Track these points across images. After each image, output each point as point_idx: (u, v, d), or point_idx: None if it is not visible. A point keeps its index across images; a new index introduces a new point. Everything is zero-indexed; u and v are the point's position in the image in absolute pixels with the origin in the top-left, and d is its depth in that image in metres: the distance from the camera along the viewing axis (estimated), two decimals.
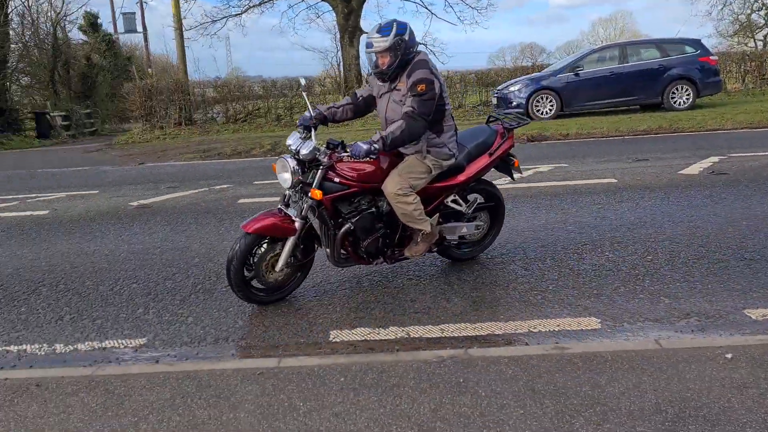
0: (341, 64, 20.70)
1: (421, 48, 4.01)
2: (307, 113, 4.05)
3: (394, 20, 3.84)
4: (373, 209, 3.96)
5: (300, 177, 3.78)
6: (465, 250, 4.60)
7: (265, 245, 3.85)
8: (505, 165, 4.60)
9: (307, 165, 3.80)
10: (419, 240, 4.08)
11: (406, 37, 3.78)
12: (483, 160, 4.31)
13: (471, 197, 4.37)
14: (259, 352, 3.43)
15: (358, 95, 4.24)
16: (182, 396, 2.88)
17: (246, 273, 3.85)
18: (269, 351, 3.44)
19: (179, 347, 3.55)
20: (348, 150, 3.74)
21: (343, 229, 3.88)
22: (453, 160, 4.09)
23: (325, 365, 3.10)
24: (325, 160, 3.75)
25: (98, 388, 2.99)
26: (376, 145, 3.66)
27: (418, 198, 3.91)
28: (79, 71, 27.77)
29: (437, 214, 4.19)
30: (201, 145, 14.61)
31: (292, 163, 3.75)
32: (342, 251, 3.96)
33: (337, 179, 3.82)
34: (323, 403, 2.74)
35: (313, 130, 3.98)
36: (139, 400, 2.86)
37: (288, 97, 19.00)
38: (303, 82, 4.55)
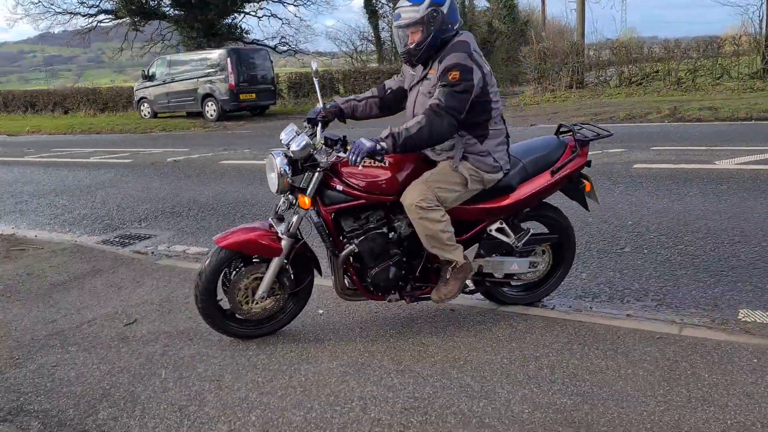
0: (765, 19, 17.57)
1: (466, 32, 3.07)
2: (318, 105, 3.27)
3: None
4: (385, 229, 3.12)
5: (290, 180, 2.99)
6: (517, 293, 3.64)
7: (242, 266, 3.17)
8: (575, 189, 3.45)
9: (300, 165, 3.00)
10: (449, 276, 3.14)
11: (445, 9, 2.90)
12: (542, 180, 3.27)
13: (525, 226, 3.39)
14: (657, 317, 3.42)
15: (387, 87, 3.37)
16: (579, 343, 3.12)
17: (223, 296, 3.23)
18: (668, 317, 3.40)
19: (573, 299, 3.78)
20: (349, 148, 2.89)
21: (344, 252, 3.09)
22: (499, 175, 3.13)
23: (734, 343, 2.95)
24: (324, 160, 2.95)
25: (502, 322, 3.43)
26: (383, 144, 2.81)
27: (448, 217, 3.02)
28: (480, 37, 30.34)
29: (476, 245, 3.27)
30: (592, 108, 14.50)
31: (281, 161, 2.97)
32: (346, 280, 3.20)
33: (340, 187, 3.01)
34: (731, 379, 2.64)
35: (319, 125, 3.21)
36: (538, 338, 3.20)
37: (693, 59, 17.20)
38: (314, 65, 3.36)
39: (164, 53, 24.72)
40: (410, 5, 2.89)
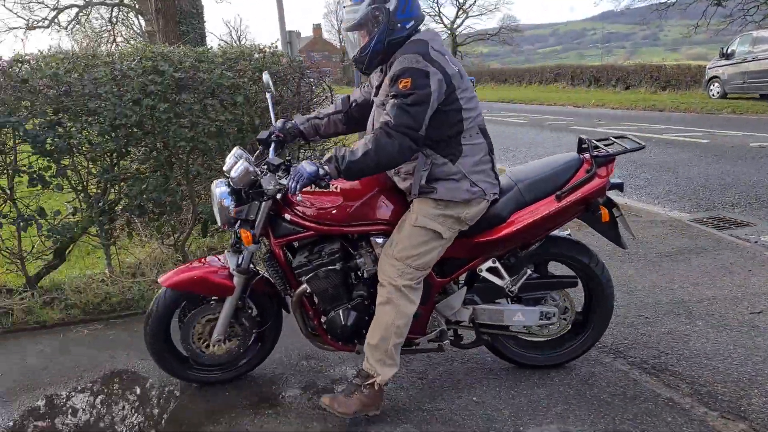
0: None
1: (428, 30, 2.55)
2: (274, 124, 2.75)
3: None
4: (338, 265, 2.57)
5: (232, 213, 2.54)
6: (528, 352, 2.87)
7: (193, 308, 2.80)
8: (598, 219, 2.60)
9: (244, 194, 2.54)
10: (357, 387, 2.57)
11: (391, 6, 2.34)
12: (543, 207, 2.55)
13: (528, 267, 2.68)
14: None
15: (352, 100, 2.79)
16: None
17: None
18: None
19: None
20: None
21: (297, 291, 2.66)
22: (483, 204, 2.49)
23: None
24: (271, 187, 2.44)
25: None
26: (326, 168, 2.34)
27: (413, 311, 2.52)
28: None
29: (463, 288, 2.72)
30: None
31: (221, 192, 2.57)
32: (306, 322, 2.76)
33: (289, 216, 2.57)
34: None
35: (272, 146, 2.69)
36: None
37: None
38: (266, 78, 2.79)
39: (745, 30, 22.58)
40: (350, 5, 2.43)
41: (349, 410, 2.54)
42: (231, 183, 2.57)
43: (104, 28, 24.78)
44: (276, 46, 4.47)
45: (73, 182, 4.05)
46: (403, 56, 2.35)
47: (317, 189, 2.47)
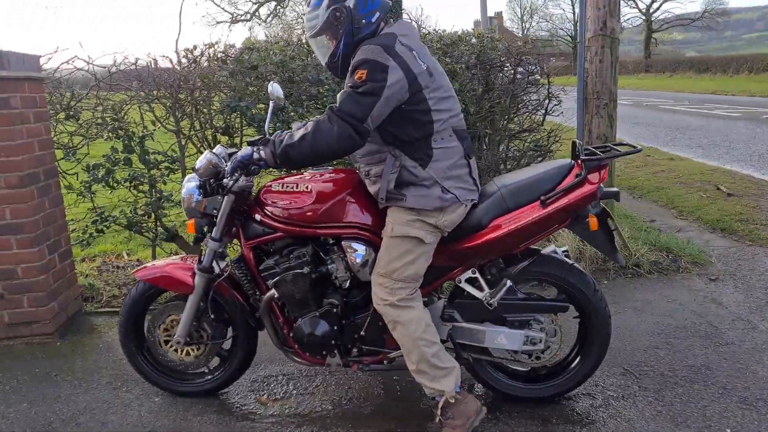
0: None
1: (402, 21, 2.34)
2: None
3: None
4: (306, 269, 2.37)
5: (193, 204, 2.41)
6: (513, 382, 2.63)
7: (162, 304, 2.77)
8: (586, 228, 2.34)
9: (209, 188, 2.40)
10: (442, 424, 2.36)
11: (351, 3, 2.19)
12: (527, 213, 2.31)
13: (509, 282, 2.43)
14: None
15: None
16: None
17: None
18: None
19: None
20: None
21: (266, 296, 2.48)
22: (459, 211, 2.30)
23: None
24: (230, 182, 2.31)
25: None
26: (261, 153, 2.22)
27: (426, 311, 2.36)
28: None
29: (441, 300, 2.53)
30: None
31: (189, 186, 2.46)
32: (277, 331, 2.57)
33: (258, 216, 2.41)
34: None
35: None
36: None
37: None
38: (272, 88, 2.60)
39: None
40: (309, 11, 2.28)
41: None
42: (197, 175, 2.44)
43: (297, 20, 26.46)
44: (494, 31, 4.25)
45: None
46: (365, 47, 2.15)
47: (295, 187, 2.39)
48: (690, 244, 4.50)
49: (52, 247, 3.54)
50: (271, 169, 2.53)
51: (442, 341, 2.45)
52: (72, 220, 4.16)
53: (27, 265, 3.38)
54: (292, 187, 2.41)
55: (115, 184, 4.07)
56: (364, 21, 2.21)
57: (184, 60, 4.02)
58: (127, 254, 4.91)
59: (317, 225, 2.39)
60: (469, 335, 2.48)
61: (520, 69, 4.11)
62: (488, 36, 4.17)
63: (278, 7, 25.94)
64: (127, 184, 4.10)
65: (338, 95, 2.20)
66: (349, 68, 2.17)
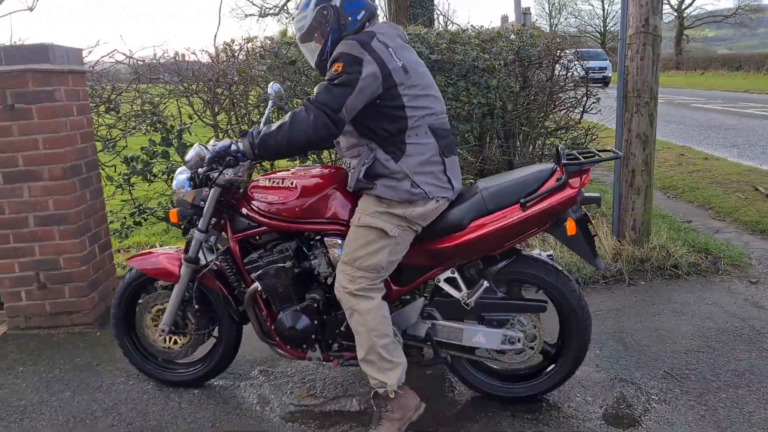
0: None
1: (386, 22, 2.47)
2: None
3: None
4: (288, 263, 2.43)
5: (182, 195, 2.49)
6: (491, 380, 2.65)
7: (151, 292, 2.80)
8: (563, 232, 2.36)
9: (199, 179, 2.48)
10: (380, 413, 2.37)
11: (337, 2, 2.29)
12: (506, 215, 2.32)
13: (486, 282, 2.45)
14: None
15: None
16: None
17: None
18: None
19: None
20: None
21: (249, 289, 2.53)
22: (429, 205, 2.31)
23: None
24: (216, 174, 2.39)
25: None
26: (240, 144, 2.30)
27: (383, 303, 2.34)
28: None
29: (420, 299, 2.53)
30: None
31: (179, 179, 2.53)
32: (262, 324, 2.61)
33: (245, 210, 2.49)
34: None
35: None
36: None
37: None
38: (271, 89, 2.70)
39: None
40: (297, 12, 2.38)
41: None
42: (187, 167, 2.52)
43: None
44: (534, 27, 4.20)
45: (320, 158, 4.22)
46: (343, 42, 2.24)
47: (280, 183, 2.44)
48: (729, 245, 4.40)
49: (92, 238, 3.60)
50: (254, 162, 2.60)
51: (421, 339, 2.52)
52: (110, 211, 4.23)
53: (69, 256, 3.44)
54: (278, 183, 2.47)
55: (152, 177, 4.12)
56: (350, 18, 2.30)
57: (222, 54, 4.04)
58: (159, 246, 4.97)
59: (301, 220, 2.44)
60: (447, 333, 2.50)
61: (560, 63, 4.05)
62: (528, 32, 4.12)
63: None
64: (164, 176, 4.15)
65: (315, 88, 2.28)
66: (330, 60, 2.24)
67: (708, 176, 7.01)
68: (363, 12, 2.33)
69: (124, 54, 4.36)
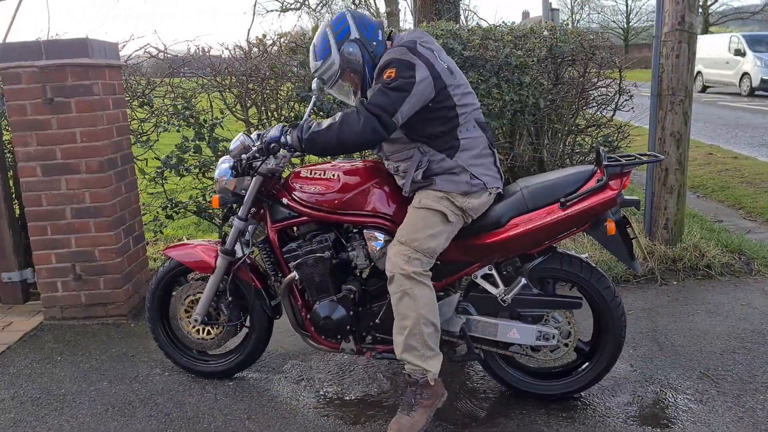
0: None
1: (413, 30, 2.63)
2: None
3: (325, 26, 2.36)
4: (327, 253, 2.45)
5: (224, 183, 2.52)
6: (524, 377, 2.62)
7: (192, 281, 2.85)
8: (601, 233, 2.36)
9: (241, 167, 2.51)
10: (413, 400, 2.35)
11: (354, 35, 2.32)
12: (546, 214, 2.33)
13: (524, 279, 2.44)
14: None
15: None
16: None
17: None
18: None
19: None
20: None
21: (287, 279, 2.55)
22: (485, 196, 2.36)
23: None
24: (259, 162, 2.44)
25: None
26: (288, 138, 2.35)
27: (434, 292, 2.34)
28: None
29: (456, 294, 2.52)
30: None
31: (222, 168, 2.58)
32: (296, 315, 2.63)
33: (285, 200, 2.52)
34: None
35: None
36: None
37: None
38: (315, 84, 2.54)
39: None
40: (321, 63, 2.36)
41: (420, 425, 2.33)
42: (230, 156, 2.56)
43: (346, 9, 26.45)
44: (568, 24, 4.16)
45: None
46: (389, 51, 2.30)
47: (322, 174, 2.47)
48: (762, 246, 4.34)
49: (127, 230, 3.65)
50: (297, 154, 2.65)
51: (456, 335, 2.51)
52: (143, 204, 4.28)
53: (104, 248, 3.49)
54: (320, 174, 2.50)
55: (185, 172, 4.16)
56: (374, 43, 2.34)
57: (255, 50, 4.06)
58: (187, 239, 5.02)
59: (341, 212, 2.46)
60: (482, 329, 2.50)
61: (593, 61, 4.01)
62: (561, 28, 4.08)
63: None
64: (196, 171, 4.19)
65: (368, 91, 2.30)
66: (376, 71, 2.27)
67: (738, 175, 6.90)
68: (379, 31, 2.37)
69: (157, 48, 4.40)
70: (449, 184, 2.32)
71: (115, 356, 3.18)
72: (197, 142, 4.03)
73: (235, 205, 2.60)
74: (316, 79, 2.66)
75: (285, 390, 2.81)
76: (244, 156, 2.50)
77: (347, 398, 2.73)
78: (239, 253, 2.64)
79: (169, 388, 2.85)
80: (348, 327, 2.54)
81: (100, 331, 3.49)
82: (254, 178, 2.49)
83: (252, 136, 2.57)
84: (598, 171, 2.36)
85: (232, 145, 2.54)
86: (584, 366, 2.61)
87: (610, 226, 2.35)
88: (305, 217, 2.52)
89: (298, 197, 2.51)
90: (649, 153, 2.49)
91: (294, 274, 2.52)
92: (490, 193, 2.37)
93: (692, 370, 2.86)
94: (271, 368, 3.00)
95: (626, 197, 2.38)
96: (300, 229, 2.59)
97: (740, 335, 3.19)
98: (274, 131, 2.41)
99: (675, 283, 3.88)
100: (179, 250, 2.80)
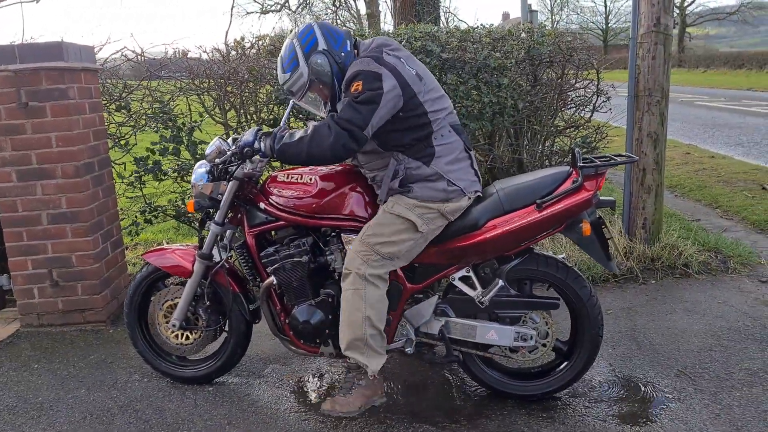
0: None
1: (381, 37, 2.40)
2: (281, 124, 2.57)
3: (292, 38, 2.34)
4: (305, 258, 2.44)
5: (200, 188, 2.49)
6: (502, 377, 2.64)
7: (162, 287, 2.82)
8: (577, 233, 2.39)
9: (217, 172, 2.50)
10: (353, 385, 2.49)
11: (321, 46, 2.30)
12: (522, 216, 2.35)
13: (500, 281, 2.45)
14: None
15: None
16: None
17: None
18: None
19: None
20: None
21: (265, 283, 2.55)
22: (464, 200, 2.35)
23: None
24: (234, 167, 2.44)
25: None
26: (261, 144, 2.33)
27: (385, 305, 2.37)
28: None
29: (435, 296, 2.52)
30: None
31: (198, 173, 2.54)
32: (275, 319, 2.63)
33: (262, 204, 2.52)
34: None
35: None
36: None
37: None
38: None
39: None
40: (289, 76, 2.34)
41: (353, 407, 2.45)
42: (206, 161, 2.54)
43: (326, 11, 26.43)
44: (546, 25, 4.20)
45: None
46: (355, 62, 2.26)
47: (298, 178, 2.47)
48: (738, 244, 4.41)
49: (105, 235, 3.61)
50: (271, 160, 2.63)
51: (435, 337, 2.53)
52: (121, 209, 4.23)
53: (81, 253, 3.45)
54: (297, 178, 2.50)
55: (162, 176, 4.12)
56: (342, 54, 2.32)
57: (233, 52, 4.04)
58: (166, 243, 4.97)
59: (319, 216, 2.47)
60: (460, 330, 2.51)
61: (570, 63, 4.05)
62: (539, 30, 4.11)
63: None
64: (174, 174, 4.15)
65: (338, 104, 2.30)
66: (344, 83, 2.26)
67: (714, 175, 7.00)
68: (347, 41, 2.34)
69: (133, 51, 4.36)
70: (427, 192, 2.31)
71: (94, 363, 3.14)
72: (174, 144, 3.99)
73: (212, 210, 2.58)
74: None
75: (265, 394, 2.80)
76: (218, 160, 2.49)
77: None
78: (217, 258, 2.62)
79: (148, 395, 2.82)
80: (327, 331, 2.54)
81: (78, 337, 3.44)
82: (230, 182, 2.48)
83: (228, 140, 2.56)
84: (574, 172, 2.37)
85: (207, 150, 2.53)
86: (563, 365, 2.63)
87: (586, 227, 2.38)
88: (283, 222, 2.52)
89: (275, 202, 2.51)
90: (623, 154, 2.52)
91: (272, 278, 2.52)
92: (470, 198, 2.37)
93: (670, 368, 2.90)
94: (251, 373, 2.98)
95: (602, 198, 2.41)
96: (278, 233, 2.59)
97: (717, 333, 3.23)
98: (248, 135, 2.39)
99: (653, 282, 3.92)
100: (157, 255, 2.77)
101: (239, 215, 2.61)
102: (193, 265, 2.64)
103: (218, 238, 2.61)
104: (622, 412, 2.57)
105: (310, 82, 2.33)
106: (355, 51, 2.37)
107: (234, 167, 2.45)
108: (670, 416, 2.53)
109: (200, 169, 2.57)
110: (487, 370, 2.65)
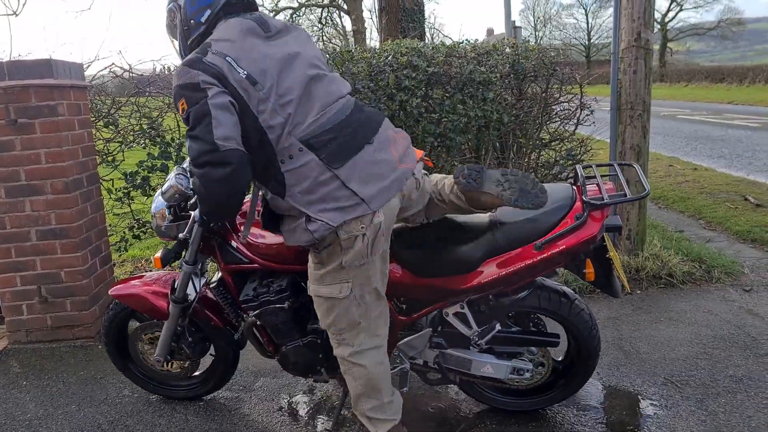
0: None
1: (230, 21, 1.94)
2: None
3: None
4: (286, 304, 2.25)
5: (163, 228, 2.34)
6: (497, 395, 2.63)
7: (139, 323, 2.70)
8: (582, 275, 2.25)
9: (179, 210, 2.34)
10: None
11: (182, 2, 1.96)
12: (520, 256, 2.16)
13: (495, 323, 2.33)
14: None
15: None
16: None
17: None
18: None
19: None
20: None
21: (246, 323, 2.41)
22: (358, 245, 1.90)
23: None
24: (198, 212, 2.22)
25: None
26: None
27: (378, 362, 2.13)
28: None
29: (428, 330, 2.38)
30: None
31: (157, 202, 2.37)
32: (264, 347, 2.51)
33: (234, 243, 2.32)
34: None
35: None
36: None
37: None
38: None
39: None
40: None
41: None
42: (164, 199, 2.33)
43: (312, 27, 26.61)
44: (528, 41, 4.28)
45: None
46: (174, 72, 1.87)
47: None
48: (721, 254, 4.49)
49: (93, 251, 3.61)
50: None
51: (431, 367, 2.46)
52: (109, 225, 4.23)
53: (70, 270, 3.44)
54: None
55: (151, 192, 4.13)
56: (193, 21, 1.96)
57: None
58: (148, 261, 4.96)
59: (291, 263, 2.27)
60: (455, 362, 2.42)
61: (554, 78, 4.13)
62: (523, 45, 4.20)
63: (294, 14, 26.14)
64: None
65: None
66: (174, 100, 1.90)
67: (697, 186, 7.12)
68: (208, 11, 1.95)
69: (122, 68, 4.38)
70: (291, 236, 1.95)
71: (83, 379, 3.13)
72: (163, 161, 4.01)
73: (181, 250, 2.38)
74: None
75: (256, 408, 2.80)
76: (176, 201, 2.32)
77: (319, 416, 2.73)
78: (192, 295, 2.46)
79: (138, 410, 2.81)
80: (318, 366, 2.43)
81: (68, 353, 3.43)
82: (196, 227, 2.26)
83: (186, 171, 2.33)
84: (578, 200, 2.18)
85: (165, 186, 2.31)
86: (559, 383, 2.60)
87: (590, 272, 2.22)
88: (256, 265, 2.33)
89: (247, 244, 2.31)
90: (637, 169, 2.40)
91: (253, 319, 2.37)
92: (362, 226, 1.89)
93: (657, 377, 2.94)
94: (242, 387, 2.99)
95: (608, 224, 2.21)
96: (255, 272, 2.41)
97: (702, 341, 3.29)
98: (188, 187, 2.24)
99: (638, 292, 3.98)
100: (128, 292, 2.59)
101: (211, 243, 2.40)
102: (167, 305, 2.47)
103: (192, 275, 2.41)
104: (610, 421, 2.60)
105: (168, 28, 2.06)
106: (220, 23, 1.95)
107: (197, 211, 2.21)
108: (657, 423, 2.57)
109: (160, 197, 2.36)
110: (482, 388, 2.64)
